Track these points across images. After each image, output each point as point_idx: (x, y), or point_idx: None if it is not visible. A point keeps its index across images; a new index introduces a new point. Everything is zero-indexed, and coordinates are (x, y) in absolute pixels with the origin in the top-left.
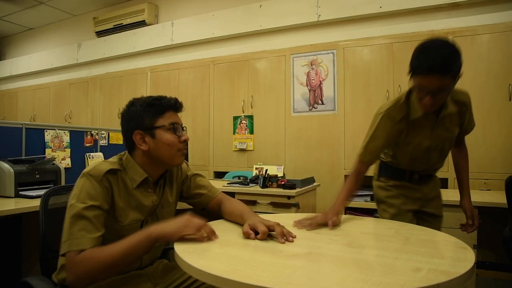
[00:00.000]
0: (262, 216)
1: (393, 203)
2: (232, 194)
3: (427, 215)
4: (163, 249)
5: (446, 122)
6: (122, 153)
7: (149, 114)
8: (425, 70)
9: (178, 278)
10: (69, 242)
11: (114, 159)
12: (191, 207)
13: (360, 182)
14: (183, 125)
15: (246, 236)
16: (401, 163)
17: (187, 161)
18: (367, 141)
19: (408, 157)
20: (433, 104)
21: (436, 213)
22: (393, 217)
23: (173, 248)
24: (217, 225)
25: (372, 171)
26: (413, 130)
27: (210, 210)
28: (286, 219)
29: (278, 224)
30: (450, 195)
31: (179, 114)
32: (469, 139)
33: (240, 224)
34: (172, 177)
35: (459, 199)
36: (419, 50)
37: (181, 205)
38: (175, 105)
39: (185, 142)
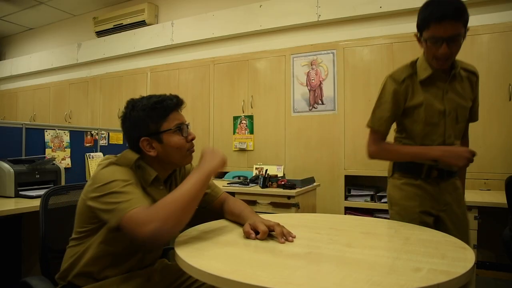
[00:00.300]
0: (262, 216)
1: (408, 205)
2: (232, 194)
3: (448, 221)
4: (163, 249)
5: (458, 87)
6: (122, 153)
7: (153, 119)
8: (439, 17)
9: (179, 278)
10: (127, 203)
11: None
12: None
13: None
14: (187, 123)
15: (247, 235)
16: (415, 137)
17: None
18: (374, 107)
19: (422, 125)
20: (448, 54)
21: (456, 218)
22: (405, 221)
23: (173, 248)
24: (218, 225)
25: (386, 169)
26: (424, 91)
27: (213, 210)
28: (286, 219)
29: (278, 224)
30: None
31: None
32: (469, 138)
33: (240, 223)
34: (177, 176)
35: None
36: (427, 3)
37: None
38: (177, 105)
39: (193, 140)
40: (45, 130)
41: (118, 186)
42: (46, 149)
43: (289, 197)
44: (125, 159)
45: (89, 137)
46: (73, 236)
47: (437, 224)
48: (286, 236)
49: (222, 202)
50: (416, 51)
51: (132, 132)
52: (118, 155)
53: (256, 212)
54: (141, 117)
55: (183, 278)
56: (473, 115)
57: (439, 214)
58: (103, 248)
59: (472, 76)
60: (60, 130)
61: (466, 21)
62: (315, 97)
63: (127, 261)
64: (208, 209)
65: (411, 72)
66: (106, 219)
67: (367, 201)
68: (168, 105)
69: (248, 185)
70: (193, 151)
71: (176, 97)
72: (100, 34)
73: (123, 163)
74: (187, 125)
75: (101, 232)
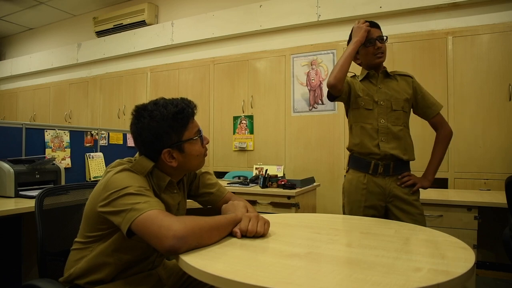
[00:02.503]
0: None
1: (355, 199)
2: None
3: (398, 210)
4: None
5: (393, 85)
6: (131, 158)
7: (175, 129)
8: (371, 25)
9: (183, 275)
10: (145, 204)
11: (131, 159)
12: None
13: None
14: (200, 128)
15: (233, 233)
16: (357, 130)
17: None
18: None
19: (360, 112)
20: (380, 48)
21: (406, 209)
22: (351, 213)
23: None
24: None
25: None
26: (364, 86)
27: (218, 210)
28: (286, 219)
29: (263, 223)
30: (451, 195)
31: None
32: (469, 139)
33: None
34: (184, 178)
35: (459, 199)
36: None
37: (188, 203)
38: (193, 112)
39: (207, 144)
40: (45, 130)
41: (134, 189)
42: (46, 149)
43: (289, 197)
44: (141, 167)
45: (89, 137)
46: (79, 239)
47: (387, 214)
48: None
49: (227, 202)
50: (416, 51)
51: (152, 144)
52: (131, 160)
53: (256, 212)
54: (164, 128)
55: (187, 275)
56: (425, 111)
57: (387, 205)
58: (115, 255)
59: (407, 78)
60: (60, 130)
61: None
62: (315, 97)
63: (140, 265)
64: (214, 209)
65: (353, 75)
66: (117, 223)
67: None
68: (188, 114)
69: (248, 185)
70: (207, 154)
71: (191, 103)
72: (100, 34)
73: (138, 170)
74: (201, 130)
75: (113, 239)
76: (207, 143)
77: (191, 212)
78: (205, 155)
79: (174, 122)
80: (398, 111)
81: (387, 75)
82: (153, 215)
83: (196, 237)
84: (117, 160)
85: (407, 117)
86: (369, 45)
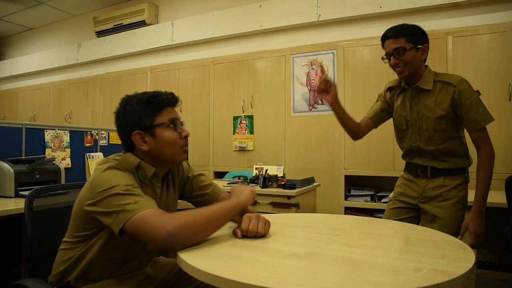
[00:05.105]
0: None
1: (395, 190)
2: None
3: (427, 214)
4: None
5: (426, 100)
6: (120, 153)
7: (147, 112)
8: (382, 39)
9: (171, 271)
10: (136, 205)
11: (115, 157)
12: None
13: (354, 121)
14: (182, 121)
15: (233, 233)
16: (398, 141)
17: (187, 160)
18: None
19: (396, 129)
20: (397, 64)
21: (435, 213)
22: (389, 204)
23: None
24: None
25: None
26: (400, 102)
27: None
28: (286, 219)
29: (264, 223)
30: None
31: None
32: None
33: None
34: (174, 177)
35: None
36: None
37: (182, 203)
38: (172, 100)
39: (186, 138)
40: (45, 130)
41: (121, 189)
42: (46, 149)
43: (289, 197)
44: (127, 163)
45: (89, 137)
46: (68, 239)
47: (419, 214)
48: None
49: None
50: None
51: (125, 126)
52: (116, 158)
53: (257, 212)
54: (135, 110)
55: (174, 271)
56: (465, 126)
57: (419, 205)
58: (103, 253)
59: (449, 86)
60: (60, 130)
61: (409, 35)
62: (315, 97)
63: (127, 265)
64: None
65: (396, 85)
66: (108, 223)
67: (367, 201)
68: (163, 99)
69: (248, 185)
70: (187, 149)
71: (172, 93)
72: (100, 34)
73: (124, 167)
74: (182, 122)
75: (101, 237)
76: (186, 136)
77: None
78: (183, 147)
79: (147, 105)
80: (429, 131)
81: (421, 90)
82: (146, 216)
83: (192, 232)
84: (104, 158)
85: (444, 133)
86: (386, 60)
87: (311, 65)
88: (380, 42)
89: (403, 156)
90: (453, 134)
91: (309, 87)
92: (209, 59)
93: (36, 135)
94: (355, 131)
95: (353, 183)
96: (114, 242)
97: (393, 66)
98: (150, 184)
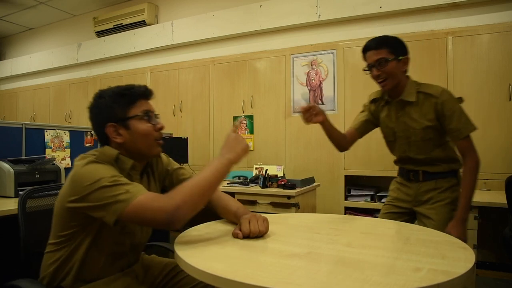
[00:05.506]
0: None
1: (389, 195)
2: (232, 194)
3: (422, 216)
4: (145, 245)
5: (412, 112)
6: (98, 149)
7: (120, 105)
8: (363, 51)
9: (162, 271)
10: (128, 194)
11: (93, 152)
12: None
13: (341, 134)
14: (156, 113)
15: (234, 236)
16: (389, 150)
17: (187, 161)
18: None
19: (385, 140)
20: (379, 75)
21: (428, 215)
22: (383, 208)
23: (154, 245)
24: (218, 225)
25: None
26: (385, 115)
27: None
28: (286, 219)
29: (262, 220)
30: None
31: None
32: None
33: (234, 222)
34: (154, 171)
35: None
36: None
37: None
38: (145, 93)
39: (161, 130)
40: (45, 130)
41: (107, 181)
42: (46, 149)
43: (289, 197)
44: (105, 156)
45: (89, 137)
46: (52, 240)
47: (413, 217)
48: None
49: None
50: (415, 52)
51: (99, 119)
52: (94, 153)
53: (256, 212)
54: (108, 103)
55: (165, 272)
56: (450, 135)
57: (414, 208)
58: (93, 251)
59: (431, 98)
60: (60, 130)
61: (391, 46)
62: (315, 97)
63: (117, 263)
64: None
65: (379, 96)
66: (100, 216)
67: (367, 201)
68: (136, 91)
69: (248, 185)
70: (162, 142)
71: (145, 86)
72: (100, 34)
73: (104, 160)
74: (156, 115)
75: (88, 235)
76: (161, 128)
77: None
78: (157, 139)
79: (120, 97)
80: (417, 142)
81: (405, 102)
82: (141, 202)
83: (190, 207)
84: (81, 154)
85: (432, 142)
86: (368, 72)
87: (311, 65)
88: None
89: (395, 162)
90: (441, 141)
91: (309, 87)
92: (209, 59)
93: (36, 135)
94: (342, 144)
95: (353, 183)
96: (102, 236)
97: (375, 78)
98: (128, 177)
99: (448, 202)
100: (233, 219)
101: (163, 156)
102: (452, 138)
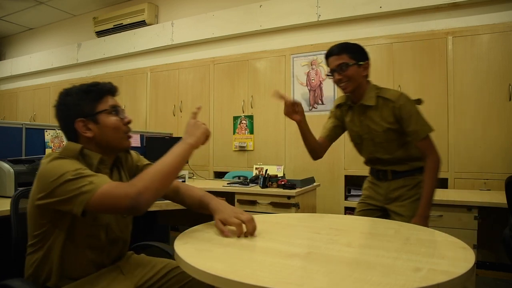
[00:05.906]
0: (263, 216)
1: (363, 194)
2: (232, 194)
3: (393, 213)
4: (134, 246)
5: (372, 115)
6: (64, 146)
7: (88, 101)
8: (325, 57)
9: (150, 270)
10: (91, 185)
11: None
12: None
13: (315, 140)
14: (123, 108)
15: (223, 235)
16: (358, 151)
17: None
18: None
19: (352, 142)
20: (341, 79)
21: (399, 212)
22: (358, 206)
23: (142, 245)
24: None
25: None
26: (349, 119)
27: (167, 199)
28: (286, 219)
29: (250, 220)
30: (450, 195)
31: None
32: (469, 138)
33: (200, 212)
34: (123, 166)
35: (459, 199)
36: None
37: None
38: (111, 90)
39: (129, 124)
40: (45, 130)
41: (71, 174)
42: (46, 149)
43: (289, 197)
44: (69, 151)
45: None
46: (29, 242)
47: (385, 213)
48: (251, 234)
49: (176, 189)
50: (415, 52)
51: (66, 116)
52: (59, 149)
53: (256, 212)
54: (75, 100)
55: (155, 271)
56: (409, 137)
57: (385, 206)
58: (68, 248)
59: (389, 102)
60: (60, 130)
61: (351, 52)
62: (315, 97)
63: (96, 257)
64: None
65: (344, 101)
66: (67, 209)
67: None
68: (102, 88)
69: (248, 185)
70: (130, 135)
71: (110, 83)
72: (100, 34)
73: (67, 155)
74: (123, 110)
75: (60, 233)
76: (128, 122)
77: (171, 212)
78: (126, 132)
79: (86, 94)
80: (382, 143)
81: (366, 106)
82: (105, 191)
83: (152, 193)
84: (47, 153)
85: (396, 142)
86: (330, 77)
87: (311, 65)
88: (380, 42)
89: (365, 163)
90: (403, 141)
91: (309, 87)
92: (209, 59)
93: (36, 135)
94: (316, 150)
95: (353, 183)
96: (75, 231)
97: (337, 82)
98: (97, 172)
99: (417, 198)
100: (198, 208)
101: (133, 153)
102: (412, 140)
